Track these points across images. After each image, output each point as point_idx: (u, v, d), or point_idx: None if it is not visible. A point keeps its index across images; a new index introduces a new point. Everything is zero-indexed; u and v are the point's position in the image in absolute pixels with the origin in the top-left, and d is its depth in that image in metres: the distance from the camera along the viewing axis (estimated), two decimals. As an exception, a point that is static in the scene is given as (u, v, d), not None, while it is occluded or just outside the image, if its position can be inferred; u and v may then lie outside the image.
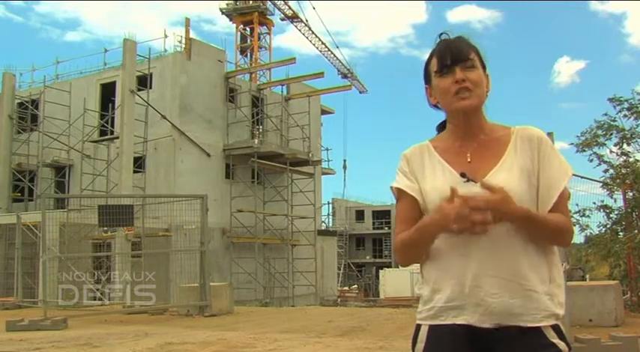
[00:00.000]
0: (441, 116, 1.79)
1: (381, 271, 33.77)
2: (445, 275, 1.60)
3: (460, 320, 1.57)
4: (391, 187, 1.74)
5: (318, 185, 29.17)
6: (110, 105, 23.81)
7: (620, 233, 10.58)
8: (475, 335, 1.56)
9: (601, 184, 10.46)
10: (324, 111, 32.06)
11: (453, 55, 1.64)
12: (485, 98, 1.68)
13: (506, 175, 1.60)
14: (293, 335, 7.98)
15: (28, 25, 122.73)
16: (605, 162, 11.14)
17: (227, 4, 35.28)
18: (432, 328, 1.62)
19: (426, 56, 1.74)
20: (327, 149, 31.56)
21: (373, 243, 51.52)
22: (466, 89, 1.62)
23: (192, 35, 24.59)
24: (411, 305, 16.18)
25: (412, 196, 1.68)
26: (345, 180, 44.16)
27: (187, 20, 24.92)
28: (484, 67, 1.69)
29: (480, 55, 1.69)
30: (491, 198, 1.47)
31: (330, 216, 45.07)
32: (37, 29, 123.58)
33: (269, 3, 35.31)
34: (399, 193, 1.72)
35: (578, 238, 10.28)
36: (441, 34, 1.72)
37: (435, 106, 1.74)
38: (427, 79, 1.73)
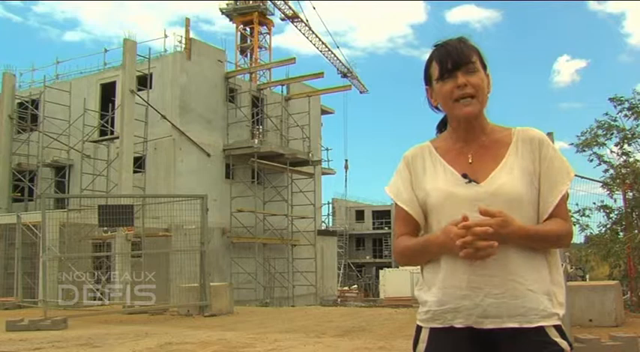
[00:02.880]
0: (440, 116, 1.79)
1: (381, 271, 33.71)
2: (442, 278, 1.60)
3: (457, 324, 1.57)
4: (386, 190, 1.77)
5: (318, 185, 29.18)
6: (110, 105, 23.80)
7: (620, 233, 10.57)
8: (476, 335, 1.56)
9: (601, 184, 10.45)
10: (324, 111, 32.06)
11: (454, 60, 1.63)
12: (487, 99, 1.68)
13: (508, 176, 1.60)
14: (293, 335, 7.97)
15: (26, 25, 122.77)
16: (605, 162, 11.13)
17: (227, 4, 35.29)
18: (432, 329, 1.63)
19: (425, 56, 1.74)
20: (327, 149, 31.65)
21: (373, 243, 51.51)
22: (468, 95, 1.62)
23: (191, 35, 24.63)
24: (411, 305, 16.16)
25: (408, 201, 1.70)
26: (346, 179, 44.49)
27: (187, 20, 24.94)
28: (485, 68, 1.68)
29: (481, 55, 1.68)
30: (493, 222, 1.48)
31: (330, 216, 45.12)
32: (35, 29, 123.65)
33: (269, 3, 35.32)
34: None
35: (578, 238, 10.26)
36: (436, 44, 1.70)
37: (436, 108, 1.74)
38: (427, 80, 1.73)
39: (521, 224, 1.53)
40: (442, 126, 1.79)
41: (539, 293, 1.55)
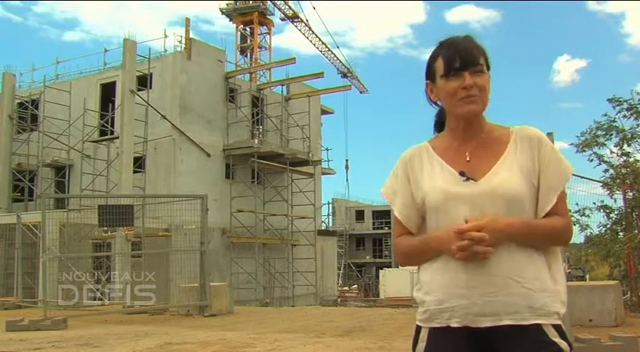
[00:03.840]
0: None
1: (381, 271, 33.71)
2: (438, 278, 1.60)
3: (454, 323, 1.57)
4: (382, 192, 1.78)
5: (318, 185, 29.18)
6: (110, 105, 23.82)
7: (620, 233, 10.57)
8: (474, 335, 1.56)
9: (601, 184, 10.45)
10: (324, 111, 32.07)
11: (462, 59, 1.61)
12: (488, 100, 1.67)
13: (507, 174, 1.59)
14: (293, 335, 7.97)
15: (26, 25, 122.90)
16: (605, 162, 11.13)
17: (227, 4, 35.28)
18: (432, 329, 1.62)
19: (425, 56, 1.73)
20: (327, 149, 31.67)
21: (373, 243, 51.53)
22: (473, 96, 1.61)
23: (191, 35, 24.63)
24: (411, 305, 16.14)
25: (401, 206, 1.70)
26: (347, 179, 44.53)
27: (187, 20, 24.95)
28: (488, 69, 1.67)
29: (487, 57, 1.67)
30: (482, 222, 1.50)
31: (330, 216, 45.13)
32: (35, 29, 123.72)
33: (269, 3, 35.30)
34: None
35: (578, 238, 10.27)
36: (443, 40, 1.69)
37: (435, 103, 1.74)
38: (429, 75, 1.71)
39: (514, 218, 1.54)
40: (439, 126, 1.78)
41: (537, 291, 1.54)
